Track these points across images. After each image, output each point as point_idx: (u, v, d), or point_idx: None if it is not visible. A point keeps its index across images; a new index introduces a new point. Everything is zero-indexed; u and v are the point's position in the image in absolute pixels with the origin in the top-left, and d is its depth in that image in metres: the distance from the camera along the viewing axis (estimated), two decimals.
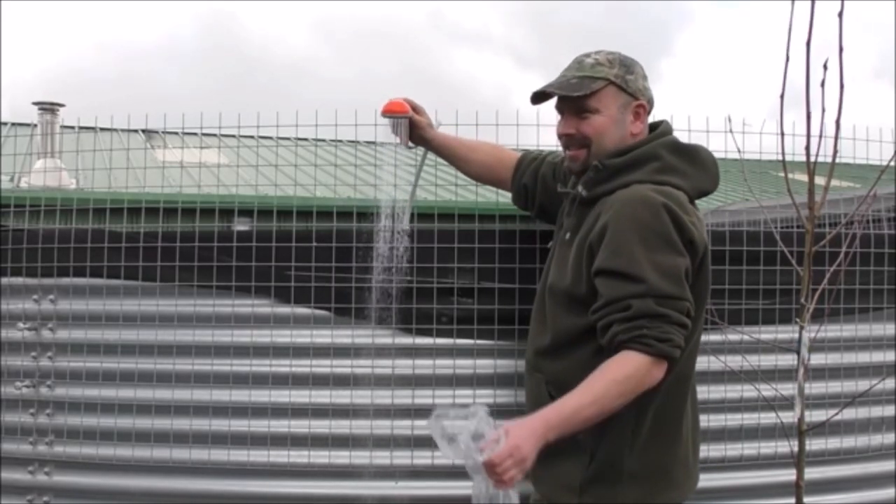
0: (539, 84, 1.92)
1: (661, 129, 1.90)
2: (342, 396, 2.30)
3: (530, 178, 2.13)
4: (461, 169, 2.26)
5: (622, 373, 1.66)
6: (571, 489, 1.80)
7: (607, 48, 1.91)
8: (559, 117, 1.90)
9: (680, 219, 1.72)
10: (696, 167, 1.87)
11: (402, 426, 2.28)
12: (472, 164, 2.24)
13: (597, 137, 1.84)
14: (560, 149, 1.97)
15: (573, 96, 1.83)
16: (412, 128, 2.17)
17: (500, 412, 2.28)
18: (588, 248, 1.76)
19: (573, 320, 1.80)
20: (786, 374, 2.19)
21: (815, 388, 2.35)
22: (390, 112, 2.12)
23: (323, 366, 2.30)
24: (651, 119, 1.93)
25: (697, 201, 1.87)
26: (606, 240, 1.73)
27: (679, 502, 1.84)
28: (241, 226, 2.84)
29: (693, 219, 1.76)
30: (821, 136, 1.74)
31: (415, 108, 2.18)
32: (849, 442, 2.40)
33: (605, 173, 1.82)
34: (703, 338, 2.16)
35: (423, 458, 2.27)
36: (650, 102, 1.90)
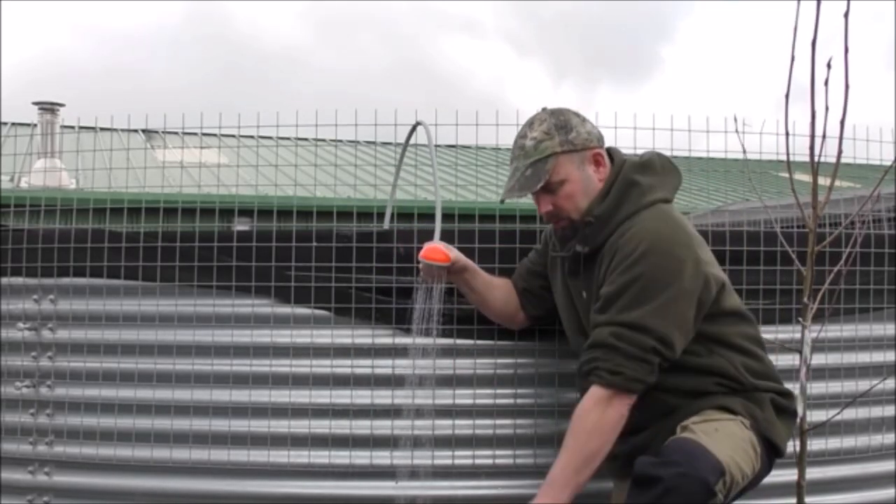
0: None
1: (616, 158, 2.00)
2: (342, 396, 2.29)
3: (524, 283, 2.20)
4: (482, 310, 2.24)
5: (589, 421, 1.77)
6: None
7: (539, 114, 1.98)
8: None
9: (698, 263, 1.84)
10: (660, 175, 1.98)
11: (403, 426, 2.27)
12: (490, 302, 2.21)
13: (573, 204, 1.95)
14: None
15: (538, 190, 1.93)
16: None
17: (500, 412, 2.29)
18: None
19: None
20: (786, 374, 2.18)
21: (816, 388, 2.35)
22: (429, 259, 2.07)
23: (323, 366, 2.30)
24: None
25: (698, 204, 1.94)
26: (612, 266, 1.85)
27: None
28: (241, 226, 2.85)
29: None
30: (824, 137, 1.74)
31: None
32: (849, 442, 2.40)
33: (598, 224, 1.92)
34: None
35: (423, 458, 2.27)
36: (600, 140, 1.99)
